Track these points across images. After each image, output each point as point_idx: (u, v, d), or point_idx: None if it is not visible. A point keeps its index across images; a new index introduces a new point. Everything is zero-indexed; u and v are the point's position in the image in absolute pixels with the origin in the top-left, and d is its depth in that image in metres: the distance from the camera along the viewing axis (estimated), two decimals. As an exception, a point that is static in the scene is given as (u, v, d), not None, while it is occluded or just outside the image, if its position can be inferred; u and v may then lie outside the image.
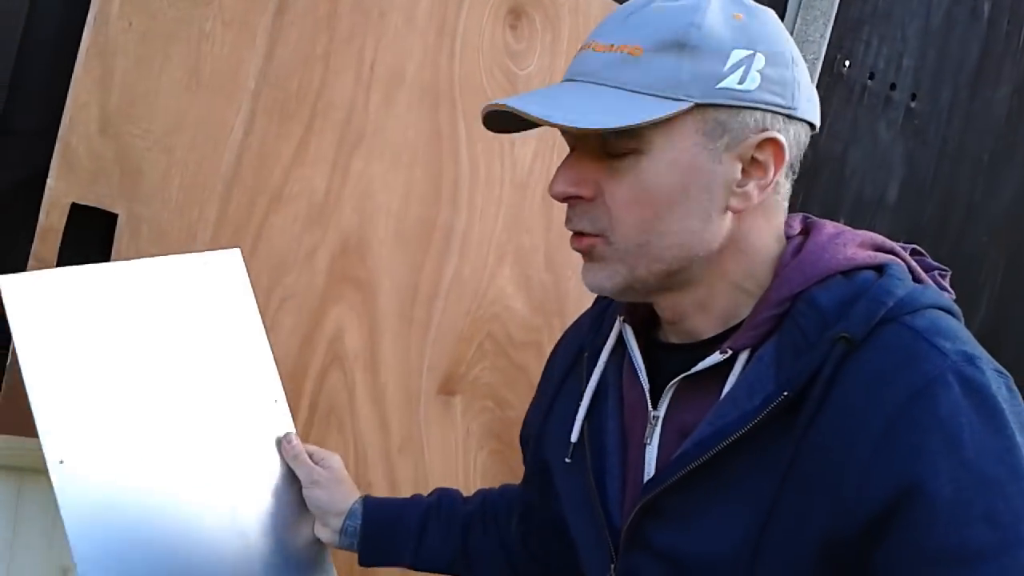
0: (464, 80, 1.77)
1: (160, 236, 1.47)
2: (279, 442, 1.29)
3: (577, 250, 0.98)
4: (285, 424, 1.24)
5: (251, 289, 1.24)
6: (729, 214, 0.95)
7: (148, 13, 1.43)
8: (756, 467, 0.91)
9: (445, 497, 1.37)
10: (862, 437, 0.85)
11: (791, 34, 2.29)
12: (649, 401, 1.02)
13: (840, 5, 2.37)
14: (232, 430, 1.22)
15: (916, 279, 0.97)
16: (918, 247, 1.04)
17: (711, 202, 0.94)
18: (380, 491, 1.70)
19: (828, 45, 2.37)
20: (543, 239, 1.90)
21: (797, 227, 1.03)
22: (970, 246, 2.95)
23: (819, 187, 2.52)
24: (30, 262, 1.38)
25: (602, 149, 0.93)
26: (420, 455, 1.75)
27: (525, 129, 0.98)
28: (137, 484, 1.11)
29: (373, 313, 1.70)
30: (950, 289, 1.02)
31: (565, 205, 0.97)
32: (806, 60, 2.34)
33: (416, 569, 1.35)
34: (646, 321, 1.07)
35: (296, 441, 1.31)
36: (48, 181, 1.38)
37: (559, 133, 0.96)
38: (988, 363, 0.88)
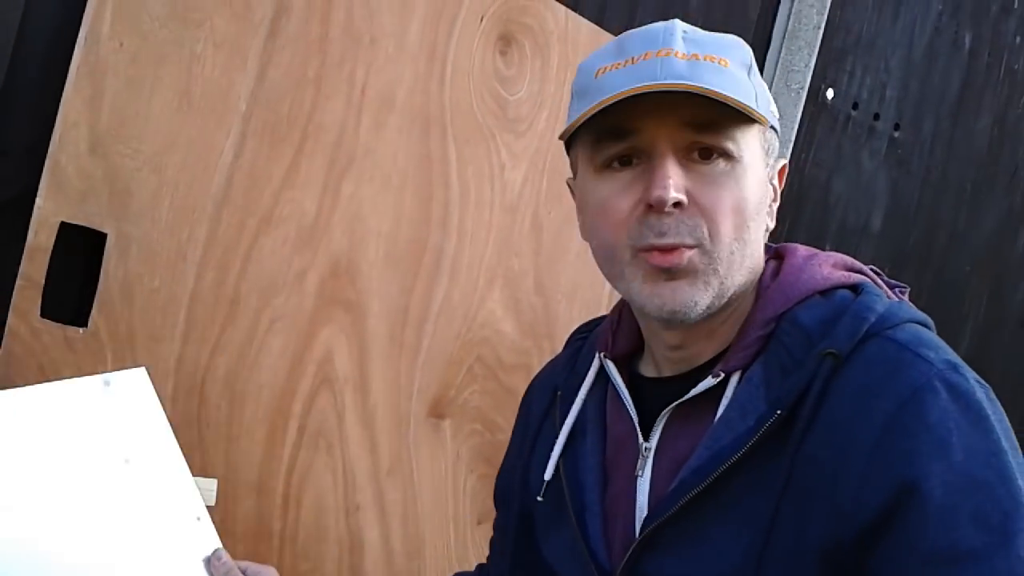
0: (454, 105, 1.78)
1: (149, 256, 1.46)
2: (207, 561, 1.18)
3: (665, 267, 0.93)
4: (211, 541, 1.14)
5: (161, 407, 1.15)
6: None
7: (139, 34, 1.43)
8: (752, 487, 0.91)
9: None
10: (856, 447, 0.86)
11: (776, 63, 2.32)
12: (640, 433, 1.02)
13: (824, 35, 2.40)
14: (153, 556, 1.12)
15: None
16: (875, 267, 1.06)
17: (764, 218, 0.98)
18: (369, 514, 1.69)
19: (812, 75, 2.40)
20: (532, 262, 1.91)
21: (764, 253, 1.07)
22: (953, 274, 2.98)
23: (805, 215, 2.54)
24: (18, 281, 1.37)
25: (688, 156, 0.93)
26: (409, 478, 1.74)
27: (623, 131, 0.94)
28: None
29: (363, 335, 1.69)
30: (911, 305, 1.03)
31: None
32: (791, 89, 2.37)
33: None
34: (626, 357, 1.08)
35: (226, 557, 1.19)
36: (37, 200, 1.38)
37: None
38: (969, 372, 0.90)
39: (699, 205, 0.92)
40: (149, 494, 1.14)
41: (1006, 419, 0.88)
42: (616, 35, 1.98)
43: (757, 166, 0.95)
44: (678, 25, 0.96)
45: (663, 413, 1.00)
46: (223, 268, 1.54)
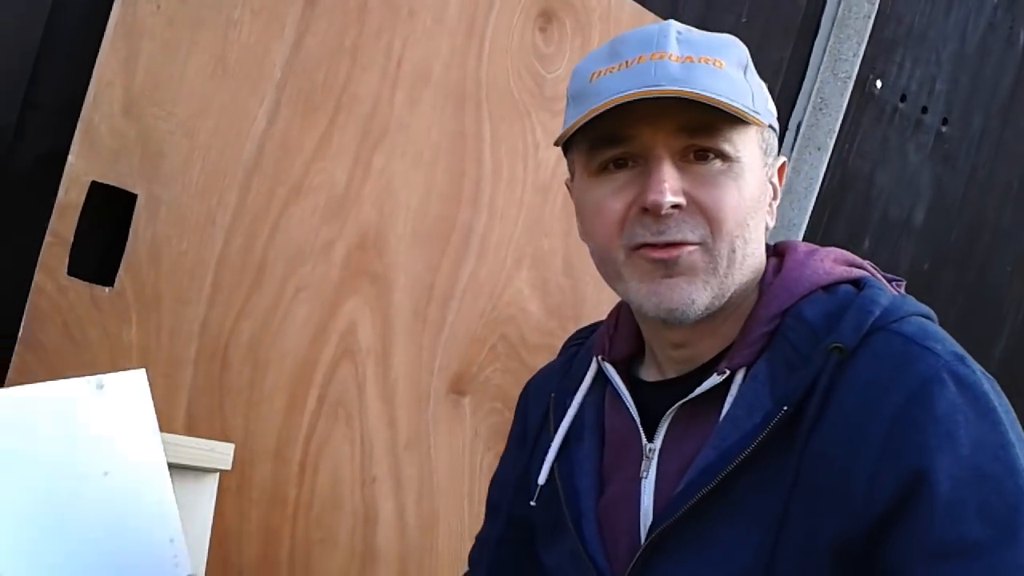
0: (491, 81, 1.77)
1: (179, 219, 1.47)
2: None
3: (663, 259, 0.92)
4: (183, 565, 1.11)
5: (154, 413, 1.12)
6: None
7: (177, -2, 1.43)
8: (760, 485, 0.91)
9: None
10: (865, 441, 0.86)
11: (824, 51, 2.28)
12: (643, 434, 1.01)
13: (874, 25, 2.35)
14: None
15: None
16: (873, 264, 1.05)
17: (764, 217, 0.98)
18: (385, 486, 1.70)
19: (861, 64, 2.35)
20: (562, 243, 1.89)
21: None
22: (995, 274, 2.92)
23: (846, 206, 2.50)
24: (47, 238, 1.38)
25: (684, 158, 0.92)
26: (426, 453, 1.75)
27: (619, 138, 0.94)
28: None
29: (387, 309, 1.70)
30: (911, 297, 1.02)
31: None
32: (838, 78, 2.33)
33: None
34: (624, 361, 1.08)
35: None
36: (69, 158, 1.39)
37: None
38: (975, 364, 0.89)
39: (699, 204, 0.92)
40: (122, 511, 1.10)
41: (1012, 410, 0.88)
42: (658, 15, 1.97)
43: (755, 165, 0.95)
44: (673, 26, 0.95)
45: (668, 412, 0.99)
46: (251, 235, 1.54)
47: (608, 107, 0.89)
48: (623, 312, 1.10)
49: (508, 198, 1.82)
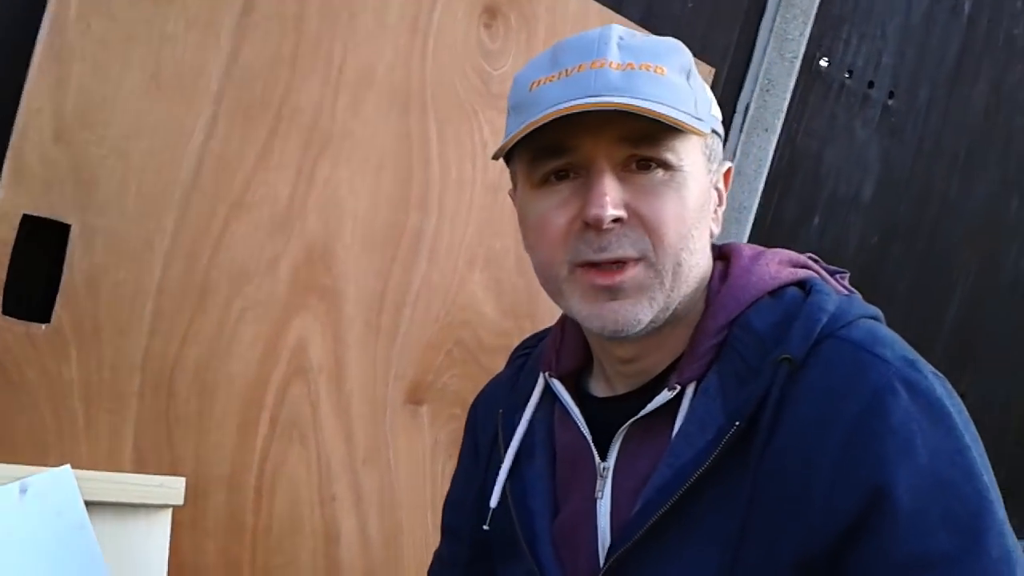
0: (436, 81, 1.72)
1: (115, 247, 1.41)
2: None
3: (608, 286, 0.90)
4: None
5: (84, 509, 1.07)
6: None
7: (107, 14, 1.36)
8: (717, 503, 0.89)
9: None
10: (821, 455, 0.85)
11: (770, 32, 2.25)
12: (596, 453, 0.99)
13: (821, 2, 2.33)
14: None
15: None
16: (813, 255, 1.04)
17: (708, 225, 0.96)
18: (345, 504, 1.67)
19: (807, 43, 2.33)
20: (515, 242, 1.86)
21: None
22: (944, 244, 2.94)
23: (795, 186, 2.50)
24: (-22, 277, 1.32)
25: (626, 168, 0.90)
26: (386, 466, 1.72)
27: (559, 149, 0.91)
28: None
29: (338, 323, 1.65)
30: (853, 290, 1.02)
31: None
32: (785, 59, 2.31)
33: None
34: (573, 374, 1.05)
35: None
36: (-3, 191, 1.32)
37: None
38: (926, 366, 0.89)
39: (640, 216, 0.89)
40: None
41: (965, 410, 0.88)
42: (604, 5, 1.92)
43: (698, 173, 0.93)
44: (614, 32, 0.92)
45: (620, 431, 0.97)
46: (192, 257, 1.49)
47: (546, 120, 0.86)
48: (568, 324, 1.07)
49: (458, 199, 1.78)
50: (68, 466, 1.09)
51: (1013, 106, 2.97)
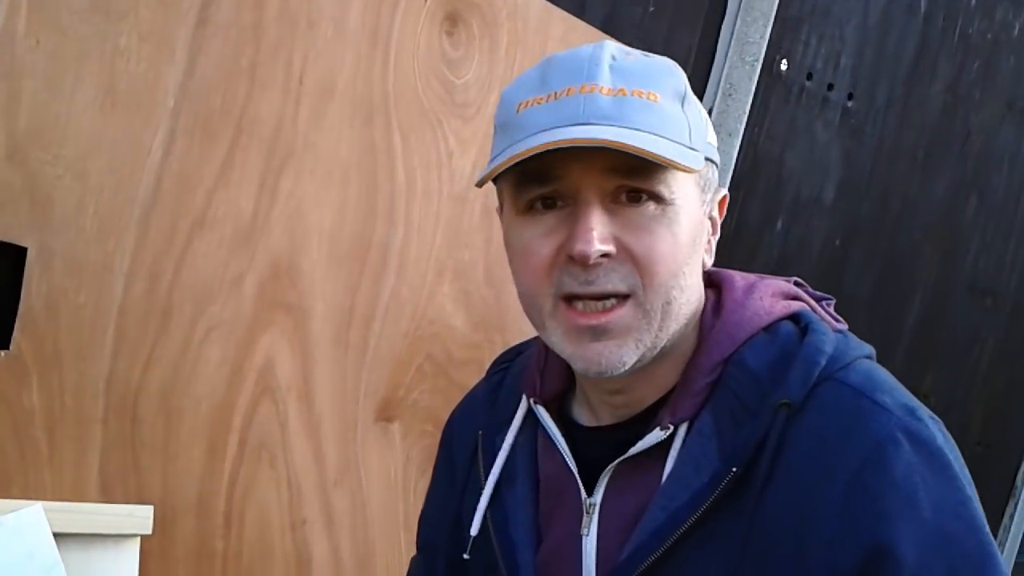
0: (399, 91, 1.69)
1: (74, 269, 1.36)
2: None
3: (593, 327, 0.87)
4: None
5: (55, 546, 1.04)
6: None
7: (58, 30, 1.31)
8: (708, 549, 0.87)
9: None
10: (821, 507, 0.83)
11: (731, 36, 2.25)
12: (583, 487, 0.96)
13: (780, 4, 2.33)
14: None
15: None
16: (799, 279, 1.02)
17: (701, 258, 0.93)
18: (317, 526, 1.63)
19: (767, 46, 2.33)
20: (483, 253, 1.83)
21: None
22: (905, 243, 2.96)
23: (758, 189, 2.49)
24: (-71, 304, 1.26)
25: (616, 199, 0.86)
26: (357, 487, 1.68)
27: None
28: None
29: (305, 339, 1.61)
30: (840, 319, 1.00)
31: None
32: (745, 63, 2.30)
33: None
34: (557, 397, 1.02)
35: None
36: (-53, 214, 1.27)
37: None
38: (924, 411, 0.87)
39: (629, 251, 0.85)
40: None
41: (959, 454, 0.87)
42: (567, 11, 1.90)
43: (691, 206, 0.89)
44: (607, 50, 0.88)
45: (608, 468, 0.94)
46: (154, 277, 1.44)
47: (532, 153, 0.83)
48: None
49: (424, 210, 1.75)
50: (39, 505, 1.04)
51: (969, 104, 3.00)
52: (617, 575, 0.90)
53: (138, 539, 1.36)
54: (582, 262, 0.84)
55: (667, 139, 0.84)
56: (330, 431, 1.65)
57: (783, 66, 2.45)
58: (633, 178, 0.85)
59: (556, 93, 0.86)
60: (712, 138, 0.93)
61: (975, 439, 3.41)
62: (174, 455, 1.47)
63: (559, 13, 1.88)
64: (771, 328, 0.93)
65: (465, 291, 1.82)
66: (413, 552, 1.23)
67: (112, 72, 1.37)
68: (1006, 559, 3.38)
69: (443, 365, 1.80)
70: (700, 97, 2.27)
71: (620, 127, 0.83)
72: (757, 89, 2.36)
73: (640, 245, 0.85)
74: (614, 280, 0.85)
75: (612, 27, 2.02)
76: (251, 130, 1.53)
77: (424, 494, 1.77)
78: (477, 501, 1.04)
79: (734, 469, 0.85)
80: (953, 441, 0.87)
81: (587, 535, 0.95)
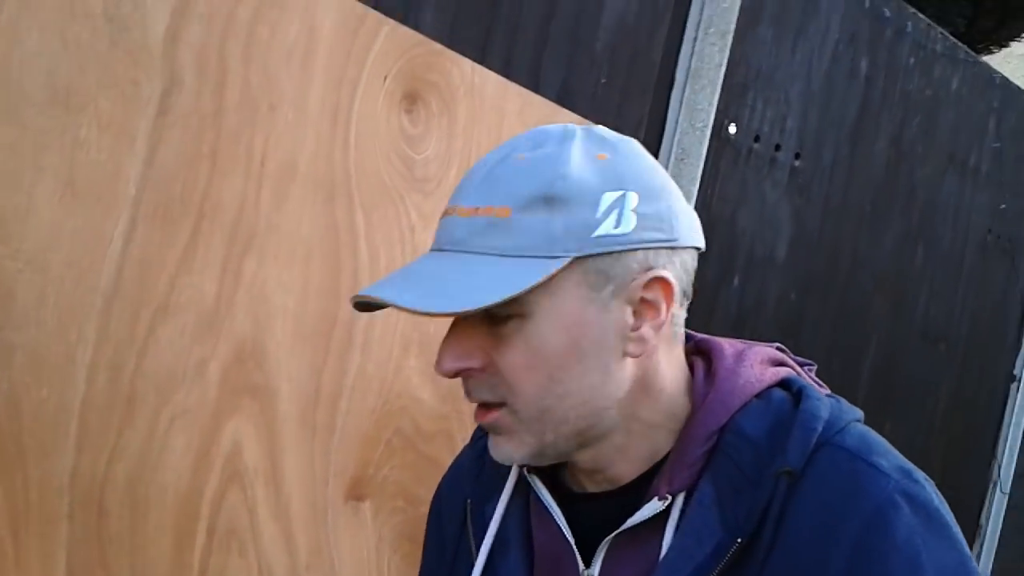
0: (360, 169, 1.70)
1: (35, 363, 1.34)
2: None
3: (482, 425, 0.93)
4: None
5: None
6: (629, 360, 0.91)
7: (16, 123, 1.31)
8: None
9: None
10: (825, 573, 0.84)
11: (680, 103, 2.30)
12: (580, 559, 0.96)
13: (726, 72, 2.39)
14: None
15: None
16: (781, 345, 1.05)
17: (608, 353, 0.90)
18: (288, 613, 1.60)
19: (716, 112, 2.39)
20: (447, 324, 1.83)
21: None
22: (857, 295, 3.02)
23: (713, 249, 2.53)
24: None
25: (485, 316, 0.87)
26: (330, 569, 1.65)
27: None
28: None
29: (272, 423, 1.60)
30: (822, 383, 1.02)
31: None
32: (696, 128, 2.35)
33: None
34: (550, 466, 1.02)
35: None
36: (-95, 313, 1.25)
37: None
38: (919, 473, 0.90)
39: (496, 366, 0.88)
40: None
41: (950, 511, 0.89)
42: (523, 85, 1.93)
43: (565, 310, 0.87)
44: (495, 157, 0.90)
45: (605, 541, 0.94)
46: (116, 367, 1.42)
47: (355, 302, 0.91)
48: None
49: (387, 287, 1.75)
50: None
51: (913, 159, 3.08)
52: None
53: (107, 638, 1.32)
54: (446, 377, 0.91)
55: (497, 256, 0.85)
56: (300, 514, 1.63)
57: (732, 130, 2.50)
58: None
59: (447, 211, 0.92)
60: (610, 228, 0.87)
61: (937, 483, 3.46)
62: (141, 547, 1.44)
63: (515, 88, 1.91)
64: (763, 395, 0.94)
65: (431, 363, 1.81)
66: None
67: (72, 163, 1.37)
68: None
69: (412, 439, 1.79)
70: (654, 163, 2.31)
71: (459, 252, 0.87)
72: (708, 153, 2.41)
73: (503, 361, 0.88)
74: (483, 392, 0.90)
75: (566, 99, 2.06)
76: (213, 215, 1.52)
77: (399, 573, 1.76)
78: (469, 572, 1.04)
79: (739, 540, 0.86)
80: (941, 496, 0.90)
81: None
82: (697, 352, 1.00)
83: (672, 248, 0.90)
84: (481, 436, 1.15)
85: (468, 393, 0.92)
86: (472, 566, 1.03)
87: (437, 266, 0.88)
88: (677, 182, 2.33)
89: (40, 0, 1.32)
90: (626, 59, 2.19)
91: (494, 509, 1.04)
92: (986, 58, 5.64)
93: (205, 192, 1.51)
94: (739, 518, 0.87)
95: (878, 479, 0.86)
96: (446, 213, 0.91)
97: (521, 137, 0.92)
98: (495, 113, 1.87)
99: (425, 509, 1.76)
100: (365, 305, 0.93)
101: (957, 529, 0.88)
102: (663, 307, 0.90)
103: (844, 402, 0.97)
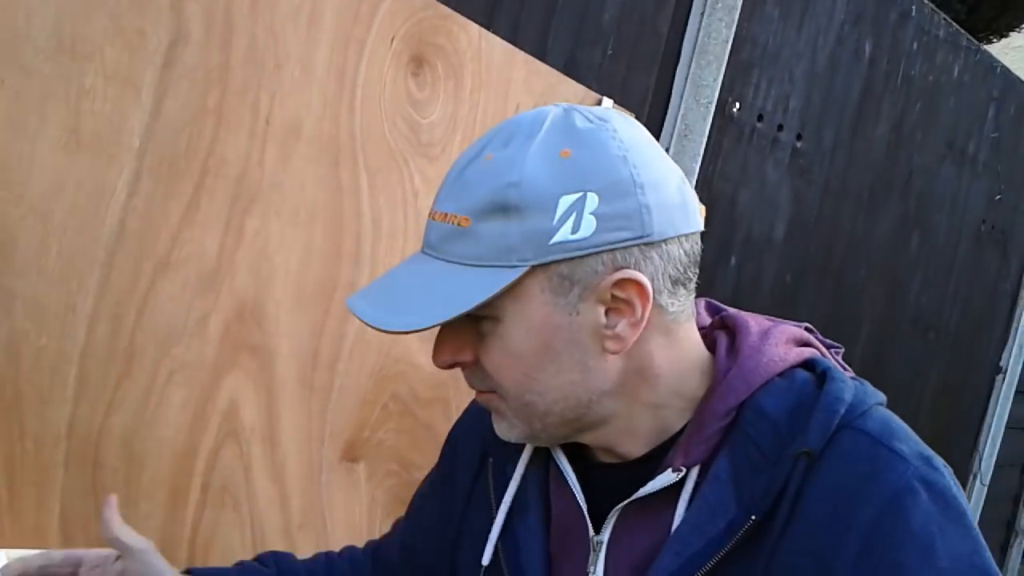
0: (365, 131, 1.69)
1: (36, 311, 1.33)
2: None
3: (480, 403, 0.97)
4: None
5: None
6: (610, 355, 0.90)
7: (22, 70, 1.29)
8: None
9: (283, 562, 1.25)
10: (838, 556, 0.84)
11: (686, 79, 2.29)
12: (591, 524, 0.96)
13: (732, 48, 2.39)
14: None
15: None
16: (810, 325, 1.04)
17: (583, 352, 0.89)
18: (280, 571, 1.60)
19: (720, 89, 2.38)
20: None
21: (706, 316, 1.02)
22: (852, 279, 3.03)
23: (712, 228, 2.53)
24: None
25: (467, 315, 0.87)
26: (322, 530, 1.66)
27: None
28: None
29: (270, 381, 1.59)
30: (847, 367, 1.01)
31: None
32: (700, 104, 2.35)
33: None
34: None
35: None
36: (-94, 256, 1.24)
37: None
38: (939, 460, 0.89)
39: (481, 362, 0.91)
40: None
41: (966, 498, 0.91)
42: (530, 54, 1.92)
43: (532, 315, 0.87)
44: (470, 153, 0.90)
45: (615, 509, 0.95)
46: (117, 319, 1.42)
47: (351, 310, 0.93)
48: None
49: (390, 250, 1.75)
50: (3, 553, 1.01)
51: (912, 145, 3.09)
52: None
53: (100, 588, 1.32)
54: (442, 369, 0.93)
55: (461, 265, 0.86)
56: (295, 473, 1.63)
57: (735, 108, 2.50)
58: None
59: (431, 212, 0.93)
60: (568, 234, 0.85)
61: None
62: (136, 500, 1.44)
63: (522, 56, 1.90)
64: (786, 374, 0.93)
65: (431, 330, 1.81)
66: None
67: (77, 113, 1.36)
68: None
69: (408, 404, 1.79)
70: (657, 138, 2.31)
71: (434, 258, 0.89)
72: (711, 130, 2.40)
73: (484, 358, 0.91)
74: (476, 382, 0.94)
75: (572, 70, 2.05)
76: (217, 171, 1.51)
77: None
78: (483, 523, 1.05)
79: (753, 517, 0.86)
80: (959, 484, 0.89)
81: (593, 573, 0.95)
82: (723, 327, 0.99)
83: (646, 244, 0.88)
84: None
85: (466, 380, 0.95)
86: (490, 522, 1.04)
87: (409, 275, 0.91)
88: (679, 159, 2.33)
89: (50, -55, 1.30)
90: (633, 31, 2.18)
91: (514, 469, 1.05)
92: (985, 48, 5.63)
93: (210, 148, 1.50)
94: (755, 496, 0.87)
95: (897, 464, 0.86)
96: (430, 213, 0.92)
97: (497, 129, 0.91)
98: (501, 80, 1.86)
99: (419, 475, 1.78)
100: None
101: (969, 512, 0.87)
102: (637, 304, 0.88)
103: (868, 385, 0.95)
